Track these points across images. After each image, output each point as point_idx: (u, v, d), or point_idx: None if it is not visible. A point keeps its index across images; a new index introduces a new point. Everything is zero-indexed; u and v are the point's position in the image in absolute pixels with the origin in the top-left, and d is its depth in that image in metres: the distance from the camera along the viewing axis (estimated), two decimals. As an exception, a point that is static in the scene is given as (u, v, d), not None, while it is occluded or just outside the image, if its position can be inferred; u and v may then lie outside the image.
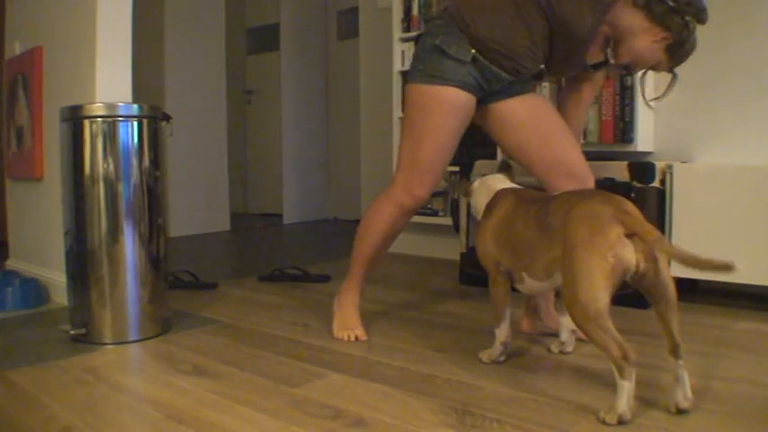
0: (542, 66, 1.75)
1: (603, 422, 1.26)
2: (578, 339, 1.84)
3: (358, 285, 1.91)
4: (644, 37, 1.66)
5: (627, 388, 1.23)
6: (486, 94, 1.74)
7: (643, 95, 1.82)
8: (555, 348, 1.74)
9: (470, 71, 1.67)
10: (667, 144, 2.50)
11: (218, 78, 4.68)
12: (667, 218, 2.25)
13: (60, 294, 2.26)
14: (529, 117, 1.78)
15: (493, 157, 2.84)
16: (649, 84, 1.84)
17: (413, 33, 3.30)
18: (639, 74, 1.83)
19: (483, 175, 1.82)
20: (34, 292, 2.37)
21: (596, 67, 1.80)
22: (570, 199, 1.39)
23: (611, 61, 1.75)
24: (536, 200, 1.55)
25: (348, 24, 5.16)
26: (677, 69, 1.73)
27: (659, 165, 2.24)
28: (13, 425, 1.32)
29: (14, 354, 1.80)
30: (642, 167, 2.23)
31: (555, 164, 1.77)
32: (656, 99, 1.78)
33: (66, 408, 1.39)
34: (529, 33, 1.67)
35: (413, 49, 3.22)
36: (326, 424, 1.29)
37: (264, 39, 5.70)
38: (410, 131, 1.76)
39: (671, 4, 1.63)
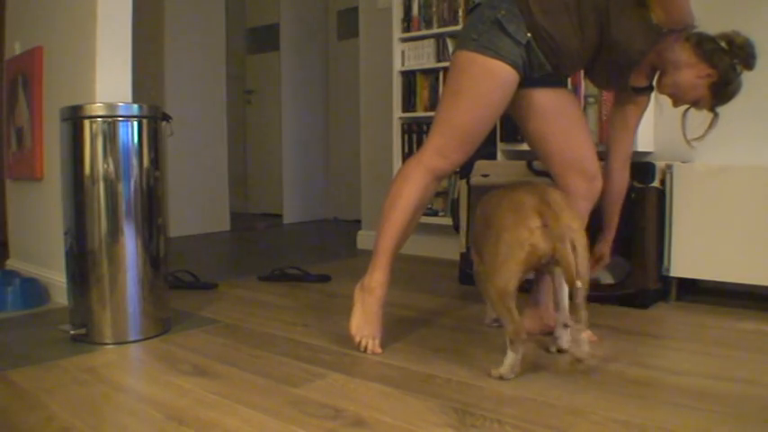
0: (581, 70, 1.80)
1: (489, 375, 1.52)
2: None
3: (384, 275, 1.76)
4: (689, 71, 1.70)
5: (511, 357, 1.50)
6: (525, 79, 1.74)
7: (684, 133, 1.82)
8: (553, 348, 1.74)
9: (521, 53, 1.67)
10: (667, 144, 2.50)
11: (218, 78, 4.67)
12: (667, 218, 2.25)
13: (60, 294, 2.26)
14: (557, 110, 1.81)
15: (493, 157, 2.84)
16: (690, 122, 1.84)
17: (413, 33, 3.30)
18: (682, 110, 1.83)
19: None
20: (34, 292, 2.37)
21: (639, 91, 1.81)
22: (504, 191, 1.59)
23: (655, 89, 1.79)
24: (491, 194, 1.68)
25: (348, 24, 5.16)
26: (719, 109, 1.75)
27: (659, 165, 2.25)
28: (13, 425, 1.32)
29: (14, 354, 1.80)
30: (642, 167, 2.23)
31: (570, 160, 1.80)
32: (696, 139, 1.79)
33: (66, 408, 1.39)
34: (581, 40, 1.68)
35: (413, 49, 3.27)
36: (326, 424, 1.29)
37: (264, 39, 5.70)
38: (454, 98, 1.73)
39: (723, 45, 1.67)
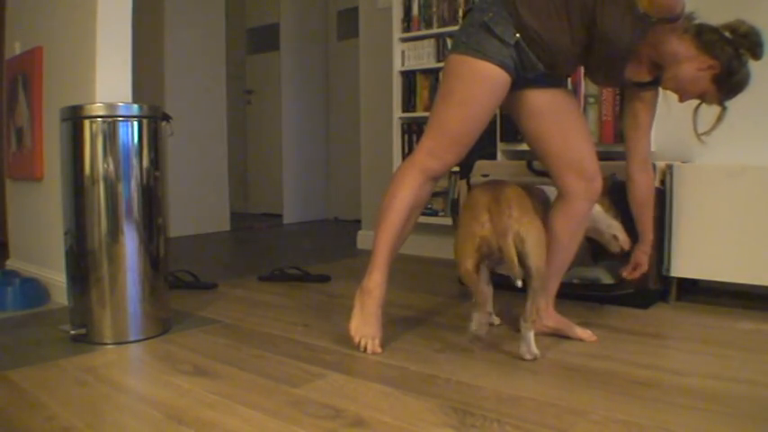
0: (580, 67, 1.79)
1: (468, 340, 1.77)
2: (577, 339, 1.84)
3: (382, 276, 1.77)
4: (689, 64, 1.65)
5: (475, 316, 1.73)
6: (519, 80, 1.74)
7: (695, 129, 1.77)
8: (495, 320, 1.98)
9: (511, 54, 1.68)
10: (667, 144, 2.50)
11: (218, 78, 4.67)
12: (667, 218, 2.25)
13: (60, 294, 2.26)
14: (554, 111, 1.80)
15: (493, 157, 2.84)
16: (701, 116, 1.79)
17: (413, 33, 3.30)
18: (683, 108, 1.78)
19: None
20: (34, 292, 2.37)
21: (642, 86, 1.79)
22: (471, 191, 1.79)
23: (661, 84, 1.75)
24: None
25: (348, 24, 5.15)
26: (728, 103, 1.70)
27: (659, 165, 2.24)
28: (13, 425, 1.32)
29: (14, 354, 1.80)
30: (642, 167, 2.22)
31: (568, 160, 1.80)
32: (705, 133, 1.74)
33: (66, 408, 1.39)
34: (571, 36, 1.67)
35: (413, 50, 3.27)
36: (326, 424, 1.29)
37: (264, 39, 5.70)
38: (444, 99, 1.75)
39: (726, 35, 1.62)
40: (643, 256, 1.98)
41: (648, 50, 1.70)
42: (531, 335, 1.66)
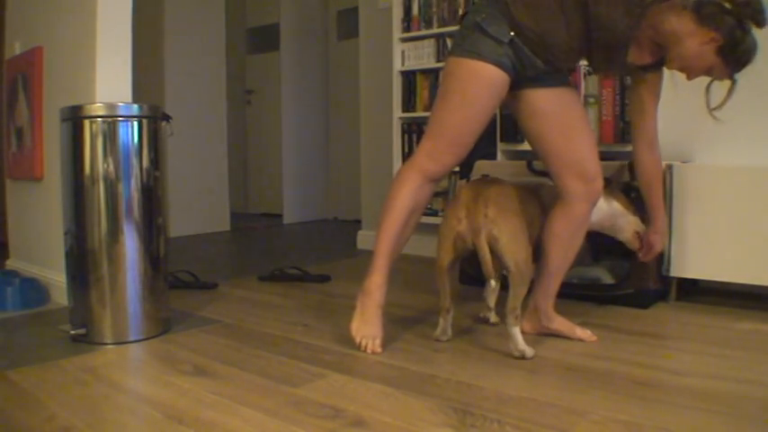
0: (580, 62, 1.77)
1: (437, 340, 1.83)
2: (577, 339, 1.84)
3: (382, 278, 1.79)
4: (691, 40, 1.62)
5: (441, 322, 1.83)
6: (520, 79, 1.75)
7: (707, 105, 1.73)
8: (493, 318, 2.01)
9: (507, 52, 1.68)
10: (667, 144, 2.49)
11: (218, 78, 4.67)
12: (667, 218, 2.25)
13: (60, 294, 2.26)
14: (556, 110, 1.80)
15: (493, 157, 2.84)
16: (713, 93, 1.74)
17: (413, 33, 3.30)
18: (705, 83, 1.73)
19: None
20: (34, 292, 2.37)
21: (646, 69, 1.77)
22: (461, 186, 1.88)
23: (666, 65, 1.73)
24: None
25: (348, 24, 5.15)
26: (737, 75, 1.66)
27: (659, 165, 2.24)
28: (13, 425, 1.32)
29: (14, 354, 1.80)
30: (642, 167, 2.22)
31: (569, 162, 1.79)
32: (716, 108, 1.71)
33: (66, 408, 1.39)
34: (567, 29, 1.67)
35: (413, 49, 3.27)
36: (326, 424, 1.29)
37: (264, 39, 5.70)
38: (442, 101, 1.77)
39: (726, 6, 1.59)
40: (655, 236, 1.99)
41: (649, 32, 1.67)
42: (517, 330, 1.66)
